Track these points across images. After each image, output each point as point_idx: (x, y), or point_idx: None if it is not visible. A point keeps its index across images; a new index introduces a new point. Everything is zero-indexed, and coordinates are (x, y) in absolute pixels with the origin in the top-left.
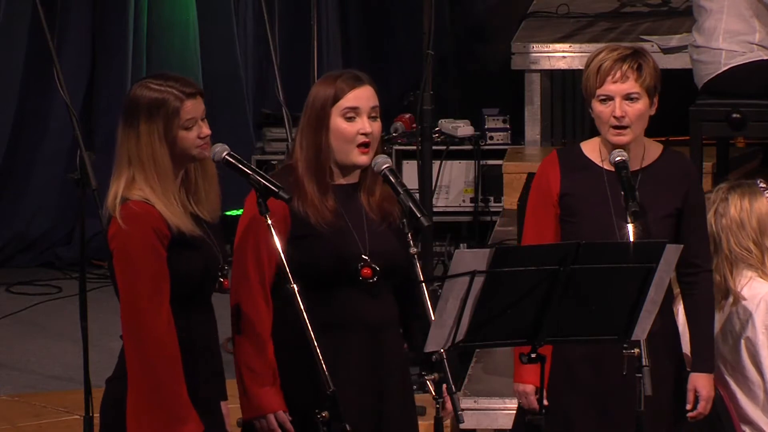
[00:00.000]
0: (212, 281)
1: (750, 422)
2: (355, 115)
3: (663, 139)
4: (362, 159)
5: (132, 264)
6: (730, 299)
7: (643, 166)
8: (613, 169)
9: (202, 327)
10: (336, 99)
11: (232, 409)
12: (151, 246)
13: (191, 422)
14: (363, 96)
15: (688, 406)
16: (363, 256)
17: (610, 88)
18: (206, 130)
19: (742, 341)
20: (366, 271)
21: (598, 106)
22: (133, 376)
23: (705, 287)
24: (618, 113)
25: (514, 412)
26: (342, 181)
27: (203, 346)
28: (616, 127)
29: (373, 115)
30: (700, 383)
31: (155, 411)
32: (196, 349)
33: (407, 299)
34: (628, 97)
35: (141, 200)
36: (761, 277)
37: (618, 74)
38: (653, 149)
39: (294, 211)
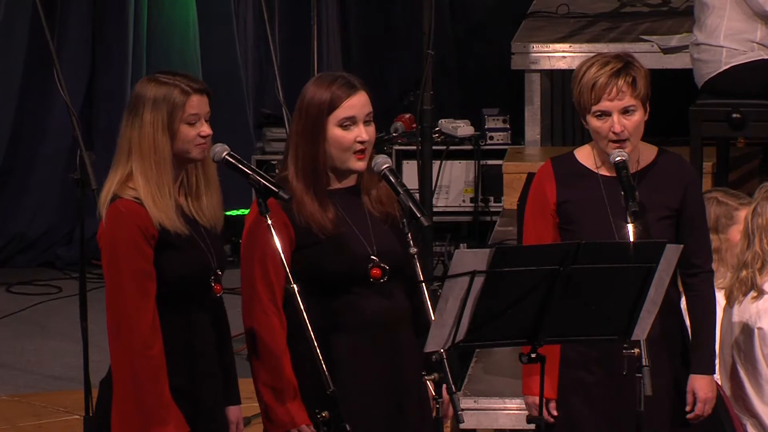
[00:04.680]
0: (203, 285)
1: (754, 415)
2: (351, 124)
3: (661, 138)
4: (359, 165)
5: (116, 263)
6: (753, 293)
7: (639, 168)
8: (608, 174)
9: (202, 329)
10: (332, 108)
11: (244, 409)
12: (136, 245)
13: (172, 423)
14: (358, 104)
15: (687, 408)
16: (371, 257)
17: (606, 104)
18: (207, 130)
19: (756, 331)
20: (375, 271)
21: (594, 122)
22: (117, 376)
23: (705, 288)
24: (617, 129)
25: (514, 412)
26: (340, 185)
27: (202, 348)
28: (615, 141)
29: (367, 120)
30: (699, 385)
31: (136, 410)
32: (194, 351)
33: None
34: (625, 111)
35: (131, 199)
36: None
37: (614, 91)
38: (647, 152)
39: (296, 224)
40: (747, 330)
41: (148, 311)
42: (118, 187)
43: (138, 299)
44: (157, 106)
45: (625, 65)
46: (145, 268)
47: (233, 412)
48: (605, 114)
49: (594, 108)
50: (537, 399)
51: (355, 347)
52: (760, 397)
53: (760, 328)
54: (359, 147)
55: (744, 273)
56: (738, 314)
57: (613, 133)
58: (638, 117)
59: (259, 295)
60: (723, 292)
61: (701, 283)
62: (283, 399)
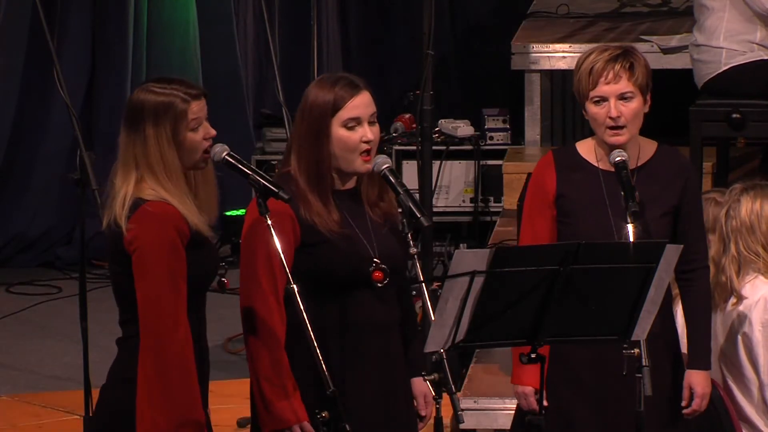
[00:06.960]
0: (212, 281)
1: (747, 420)
2: (356, 124)
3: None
4: (366, 167)
5: (157, 265)
6: (733, 299)
7: (639, 164)
8: (609, 169)
9: (201, 326)
10: (336, 109)
11: (231, 409)
12: (175, 247)
13: (203, 427)
14: (362, 104)
15: (683, 403)
16: (374, 259)
17: (603, 89)
18: (212, 131)
19: (739, 337)
20: (378, 274)
21: (592, 108)
22: (149, 379)
23: (703, 284)
24: (614, 113)
25: (514, 412)
26: (342, 187)
27: (201, 345)
28: (612, 128)
29: (371, 120)
30: (696, 380)
31: (168, 413)
32: (196, 348)
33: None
34: (622, 97)
35: (158, 200)
36: (766, 277)
37: (611, 75)
38: (648, 147)
39: (302, 220)
40: (731, 337)
41: (184, 313)
42: (136, 191)
43: (176, 302)
44: (159, 119)
45: (623, 52)
46: (182, 269)
47: None
48: (602, 99)
49: (591, 93)
50: (527, 388)
51: (351, 347)
52: (750, 403)
53: (744, 334)
54: (365, 147)
55: (723, 278)
56: (721, 322)
57: (610, 118)
58: (636, 104)
59: (262, 288)
60: None
61: (698, 278)
62: (282, 394)
